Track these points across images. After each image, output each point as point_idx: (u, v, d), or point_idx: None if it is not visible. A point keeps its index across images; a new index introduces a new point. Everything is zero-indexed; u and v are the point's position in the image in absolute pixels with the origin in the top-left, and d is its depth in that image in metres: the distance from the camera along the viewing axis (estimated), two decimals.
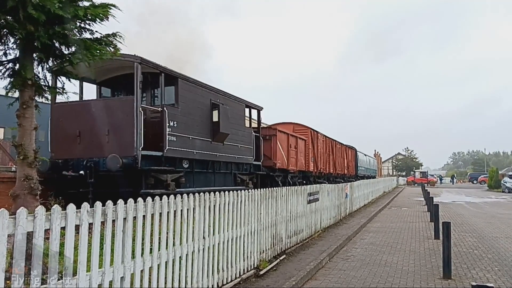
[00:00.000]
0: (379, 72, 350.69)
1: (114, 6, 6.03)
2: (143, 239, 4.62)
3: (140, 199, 4.60)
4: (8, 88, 6.01)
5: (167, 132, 10.96)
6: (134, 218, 4.50)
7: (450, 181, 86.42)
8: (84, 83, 12.34)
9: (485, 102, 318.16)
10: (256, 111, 17.62)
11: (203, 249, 5.83)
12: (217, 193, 6.31)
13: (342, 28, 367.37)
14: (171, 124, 11.16)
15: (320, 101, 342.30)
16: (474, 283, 7.04)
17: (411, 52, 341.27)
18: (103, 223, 4.11)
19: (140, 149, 10.10)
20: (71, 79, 6.89)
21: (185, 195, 5.48)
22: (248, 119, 17.23)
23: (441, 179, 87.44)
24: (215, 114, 13.29)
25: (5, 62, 5.99)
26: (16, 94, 6.19)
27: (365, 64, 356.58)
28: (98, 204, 4.02)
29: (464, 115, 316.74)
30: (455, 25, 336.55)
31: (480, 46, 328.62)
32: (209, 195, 6.05)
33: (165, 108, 10.96)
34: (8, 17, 5.21)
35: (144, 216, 4.65)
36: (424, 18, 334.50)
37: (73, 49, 6.06)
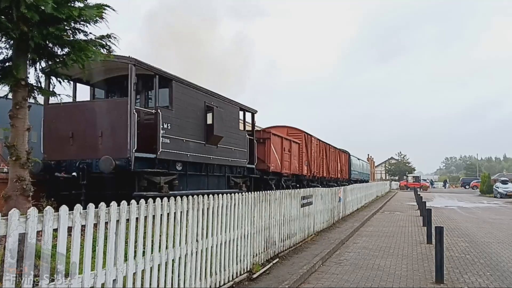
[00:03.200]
0: (380, 74, 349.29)
1: (108, 6, 6.01)
2: (136, 241, 4.60)
3: (133, 201, 4.57)
4: None
5: (160, 134, 10.92)
6: (127, 220, 4.48)
7: (443, 186, 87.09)
8: (78, 84, 12.28)
9: (487, 105, 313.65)
10: (250, 114, 17.62)
11: (196, 252, 5.80)
12: (210, 196, 6.29)
13: (344, 30, 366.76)
14: (165, 126, 11.13)
15: (317, 104, 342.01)
16: None
17: (414, 54, 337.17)
18: (95, 225, 4.08)
19: (134, 151, 10.05)
20: (64, 80, 6.86)
21: (178, 198, 5.45)
22: (242, 122, 17.21)
23: (432, 183, 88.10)
24: (209, 116, 13.26)
25: None
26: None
27: (366, 66, 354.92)
28: (91, 206, 4.00)
29: (463, 119, 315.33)
30: (461, 25, 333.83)
31: (485, 47, 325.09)
32: (203, 198, 6.03)
33: (159, 110, 10.93)
34: (1, 17, 5.17)
35: (137, 218, 4.62)
36: (429, 18, 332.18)
37: (67, 50, 6.04)
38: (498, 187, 42.60)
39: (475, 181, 70.53)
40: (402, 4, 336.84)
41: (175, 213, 5.35)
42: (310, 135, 24.94)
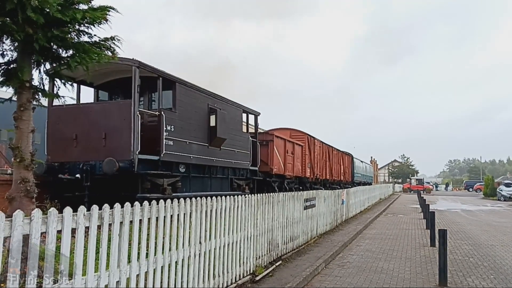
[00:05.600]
0: (387, 77, 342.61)
1: (113, 8, 6.03)
2: (139, 243, 4.60)
3: (136, 203, 4.58)
4: (1, 85, 6.00)
5: (164, 136, 10.94)
6: (130, 222, 4.48)
7: (445, 189, 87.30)
8: (82, 86, 12.31)
9: (492, 108, 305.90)
10: (253, 116, 17.63)
11: (199, 254, 5.80)
12: (214, 198, 6.29)
13: (351, 31, 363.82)
14: (168, 128, 11.15)
15: (321, 107, 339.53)
16: None
17: (422, 56, 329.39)
18: (99, 227, 4.08)
19: (137, 153, 10.07)
20: (68, 82, 6.89)
21: (181, 200, 5.46)
22: (246, 124, 17.22)
23: (436, 186, 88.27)
24: (212, 118, 13.28)
25: (2, 64, 5.98)
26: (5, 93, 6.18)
27: (373, 69, 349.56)
28: (95, 207, 4.01)
29: (469, 121, 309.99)
30: (472, 26, 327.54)
31: (494, 49, 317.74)
32: (206, 200, 6.04)
33: (162, 112, 10.95)
34: (7, 19, 5.20)
35: (140, 220, 4.63)
36: (440, 17, 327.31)
37: (71, 52, 6.06)
38: (501, 190, 42.44)
39: (479, 184, 70.25)
40: (412, 5, 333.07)
41: (178, 215, 5.35)
42: (313, 137, 24.94)
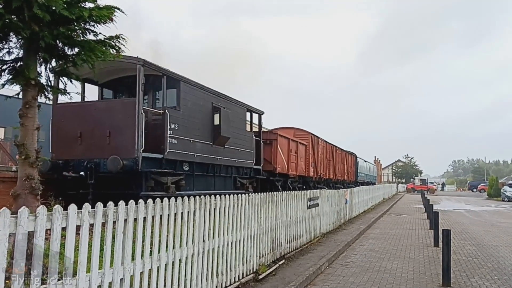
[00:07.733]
0: (398, 75, 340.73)
1: (118, 8, 6.06)
2: (143, 241, 4.62)
3: (141, 201, 4.59)
4: (8, 82, 6.02)
5: (168, 135, 10.97)
6: (135, 220, 4.50)
7: (441, 189, 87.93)
8: (86, 84, 12.35)
9: (501, 107, 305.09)
10: (257, 115, 17.64)
11: (203, 252, 5.81)
12: (217, 196, 6.30)
13: (362, 28, 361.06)
14: (172, 126, 11.17)
15: (327, 105, 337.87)
16: None
17: (435, 52, 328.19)
18: (103, 224, 4.10)
19: (141, 151, 10.10)
20: (73, 80, 6.91)
21: (185, 198, 5.47)
22: (249, 123, 17.23)
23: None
24: (216, 117, 13.31)
25: (8, 62, 6.00)
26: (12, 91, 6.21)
27: (383, 66, 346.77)
28: (100, 205, 4.02)
29: (476, 120, 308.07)
30: (486, 23, 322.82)
31: (510, 47, 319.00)
32: (210, 198, 6.05)
33: (166, 111, 10.98)
34: (13, 17, 5.22)
35: (144, 218, 4.64)
36: (453, 15, 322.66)
37: (77, 50, 6.08)
38: (506, 191, 42.31)
39: (483, 184, 70.09)
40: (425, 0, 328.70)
41: (182, 213, 5.37)
42: (317, 136, 24.92)
